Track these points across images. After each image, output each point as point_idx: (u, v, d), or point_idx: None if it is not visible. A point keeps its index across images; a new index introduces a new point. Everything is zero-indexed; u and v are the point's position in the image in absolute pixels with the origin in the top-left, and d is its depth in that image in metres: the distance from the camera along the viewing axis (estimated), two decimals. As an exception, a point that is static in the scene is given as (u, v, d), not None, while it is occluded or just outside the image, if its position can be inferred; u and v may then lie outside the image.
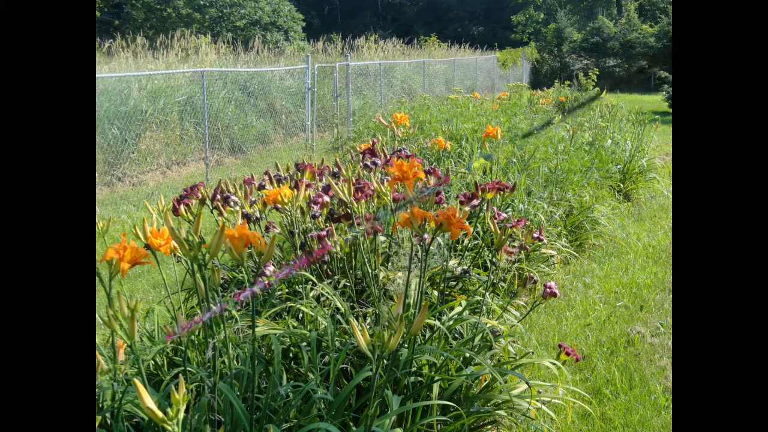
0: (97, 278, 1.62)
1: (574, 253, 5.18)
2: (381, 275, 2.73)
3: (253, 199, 2.92)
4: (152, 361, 2.55)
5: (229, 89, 10.98)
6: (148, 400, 1.34)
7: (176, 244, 1.64)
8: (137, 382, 1.35)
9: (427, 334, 2.72)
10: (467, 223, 2.17)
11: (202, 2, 25.03)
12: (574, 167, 5.71)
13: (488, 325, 2.66)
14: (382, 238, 3.03)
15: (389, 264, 2.95)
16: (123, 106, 8.86)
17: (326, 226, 2.84)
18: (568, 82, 14.68)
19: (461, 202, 2.90)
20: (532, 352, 3.22)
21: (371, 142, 3.71)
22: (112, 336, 1.78)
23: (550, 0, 36.13)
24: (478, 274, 3.16)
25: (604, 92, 12.43)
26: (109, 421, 1.89)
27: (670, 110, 16.93)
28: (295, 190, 2.75)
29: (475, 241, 3.86)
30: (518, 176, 5.04)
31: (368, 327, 2.65)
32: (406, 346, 2.30)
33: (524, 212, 4.61)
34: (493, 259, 3.15)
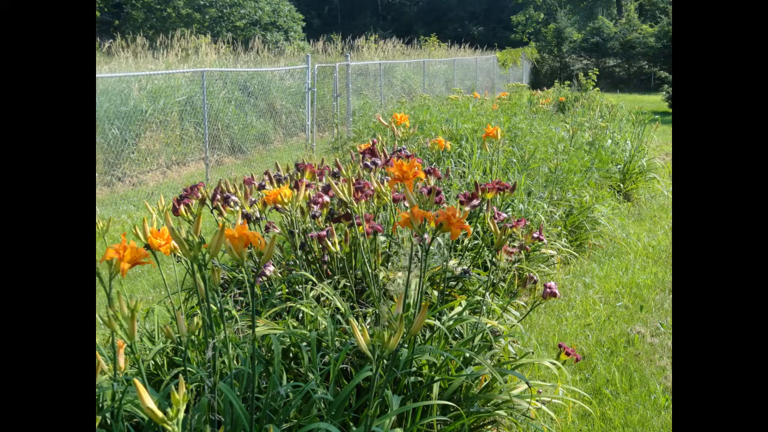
0: (97, 278, 1.62)
1: (574, 253, 5.18)
2: (381, 275, 2.73)
3: (253, 199, 2.92)
4: (152, 361, 2.55)
5: (229, 89, 10.98)
6: (148, 400, 1.34)
7: (176, 244, 1.64)
8: (137, 382, 1.35)
9: (427, 334, 2.72)
10: (467, 223, 2.17)
11: (202, 2, 25.02)
12: (574, 167, 5.71)
13: (488, 325, 2.66)
14: (382, 238, 3.03)
15: (389, 264, 2.95)
16: (123, 106, 8.86)
17: (326, 226, 2.84)
18: (568, 82, 14.68)
19: (461, 202, 2.90)
20: (532, 352, 3.22)
21: (371, 142, 3.71)
22: (112, 336, 1.78)
23: (550, 0, 36.13)
24: (478, 274, 3.16)
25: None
26: (109, 421, 1.89)
27: (670, 110, 16.94)
28: (295, 190, 2.75)
29: (475, 241, 3.86)
30: (518, 176, 5.04)
31: (368, 327, 2.65)
32: (406, 346, 2.30)
33: (524, 212, 4.61)
34: (493, 259, 3.15)
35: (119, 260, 1.78)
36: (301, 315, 2.68)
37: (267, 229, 2.90)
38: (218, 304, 1.88)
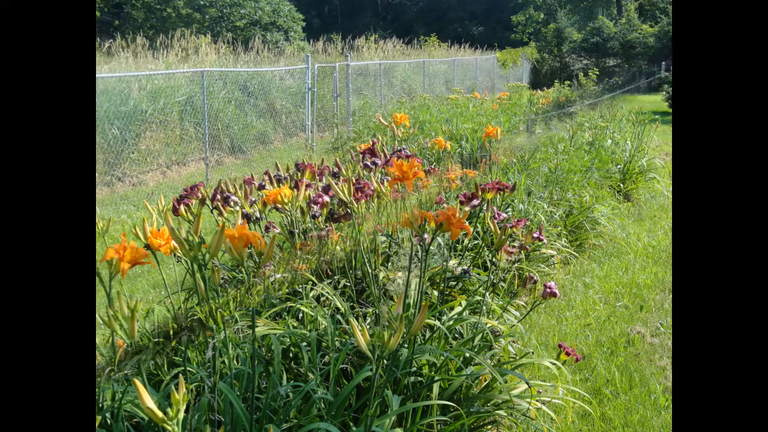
0: (97, 278, 1.62)
1: (574, 253, 5.18)
2: (381, 275, 2.73)
3: (253, 199, 2.92)
4: (152, 361, 2.55)
5: (229, 89, 10.98)
6: (148, 400, 1.34)
7: (176, 244, 1.64)
8: (137, 382, 1.35)
9: (427, 334, 2.72)
10: (467, 223, 2.17)
11: (202, 2, 25.01)
12: (574, 167, 5.71)
13: (488, 325, 2.66)
14: (382, 238, 3.03)
15: (389, 264, 2.95)
16: (123, 106, 8.86)
17: (326, 226, 2.84)
18: (568, 82, 14.68)
19: (461, 202, 2.90)
20: (532, 352, 3.22)
21: (371, 142, 3.71)
22: (112, 336, 1.78)
23: (550, 0, 36.14)
24: (478, 274, 3.16)
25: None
26: (109, 421, 1.89)
27: (670, 110, 16.94)
28: (295, 190, 2.75)
29: (475, 241, 3.86)
30: (518, 176, 5.04)
31: (368, 327, 2.65)
32: (406, 346, 2.30)
33: (524, 212, 4.61)
34: (493, 259, 3.15)
35: (119, 260, 1.78)
36: (301, 315, 2.68)
37: (267, 229, 2.90)
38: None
